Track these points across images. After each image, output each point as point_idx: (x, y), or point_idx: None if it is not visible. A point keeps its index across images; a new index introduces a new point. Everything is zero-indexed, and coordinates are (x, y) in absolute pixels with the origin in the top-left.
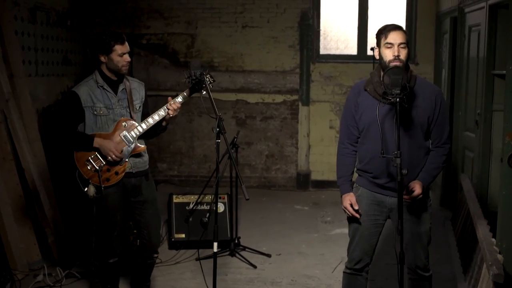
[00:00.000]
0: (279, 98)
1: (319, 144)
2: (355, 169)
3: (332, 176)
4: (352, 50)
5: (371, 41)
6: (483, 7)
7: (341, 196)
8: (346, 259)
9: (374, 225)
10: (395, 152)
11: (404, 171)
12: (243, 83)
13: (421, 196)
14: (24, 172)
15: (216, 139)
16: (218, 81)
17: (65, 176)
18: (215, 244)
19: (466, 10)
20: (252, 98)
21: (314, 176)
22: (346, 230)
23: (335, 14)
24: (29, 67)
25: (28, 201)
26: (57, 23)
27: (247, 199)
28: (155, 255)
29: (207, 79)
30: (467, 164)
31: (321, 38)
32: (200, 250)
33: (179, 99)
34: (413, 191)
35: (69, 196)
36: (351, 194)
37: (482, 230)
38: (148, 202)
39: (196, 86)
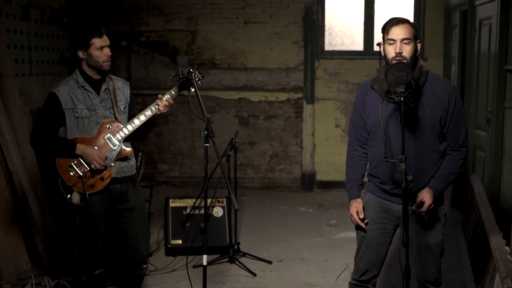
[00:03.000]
0: (283, 96)
1: (324, 143)
2: (366, 173)
3: (338, 176)
4: (358, 45)
5: (378, 36)
6: None
7: (348, 202)
8: (351, 266)
9: (382, 234)
10: (399, 157)
11: (410, 177)
12: (245, 81)
13: (432, 206)
14: (12, 176)
15: (204, 143)
16: (219, 79)
17: (56, 180)
18: (205, 256)
19: (477, 3)
20: (255, 96)
21: (319, 177)
22: (351, 234)
23: (340, 9)
24: (22, 66)
25: (17, 207)
26: (52, 21)
27: (237, 210)
28: (145, 266)
29: (196, 76)
30: (478, 164)
31: (326, 33)
32: (198, 257)
33: (166, 96)
34: (423, 202)
35: (62, 201)
36: (359, 200)
37: (495, 238)
38: (135, 209)
39: (185, 84)
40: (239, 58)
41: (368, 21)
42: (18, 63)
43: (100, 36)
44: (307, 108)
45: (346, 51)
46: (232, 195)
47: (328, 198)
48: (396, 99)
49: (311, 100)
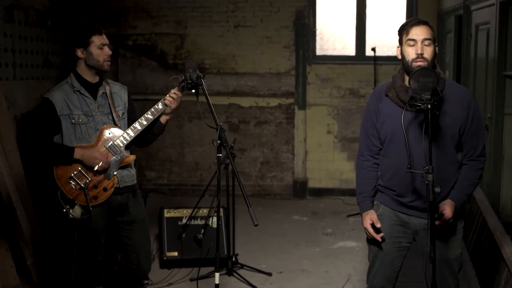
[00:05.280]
0: (274, 102)
1: (316, 150)
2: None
3: (330, 183)
4: (350, 50)
5: (370, 41)
6: (492, 4)
7: (361, 215)
8: (353, 277)
9: (397, 249)
10: (426, 168)
11: (438, 189)
12: (235, 86)
13: (451, 219)
14: None
15: (217, 153)
16: (209, 84)
17: (46, 190)
18: (217, 274)
19: (473, 7)
20: (245, 102)
21: (312, 184)
22: (349, 244)
23: (332, 13)
24: (6, 70)
25: (3, 219)
26: (36, 23)
27: (256, 225)
28: (146, 282)
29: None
30: None
31: (318, 38)
32: (196, 269)
33: (173, 90)
34: (443, 214)
35: (51, 212)
36: (372, 212)
37: (508, 248)
38: (136, 222)
39: (193, 90)
40: (229, 63)
41: (360, 26)
42: (2, 66)
43: (100, 34)
44: (299, 114)
45: (338, 56)
46: (251, 209)
47: (321, 205)
48: (422, 106)
49: (303, 105)
